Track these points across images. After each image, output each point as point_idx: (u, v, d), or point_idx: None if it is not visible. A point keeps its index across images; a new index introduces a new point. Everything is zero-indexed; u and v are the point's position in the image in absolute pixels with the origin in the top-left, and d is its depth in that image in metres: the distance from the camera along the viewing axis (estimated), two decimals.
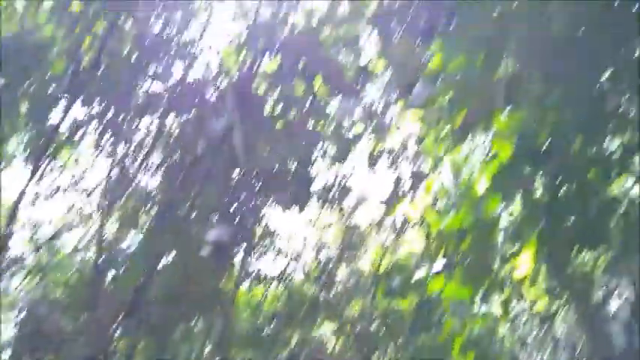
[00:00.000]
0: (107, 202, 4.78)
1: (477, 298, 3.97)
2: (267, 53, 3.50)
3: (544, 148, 3.99)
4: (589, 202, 4.20)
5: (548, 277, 4.89)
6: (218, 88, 3.92)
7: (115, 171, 4.75)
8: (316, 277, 6.49)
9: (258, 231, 6.33)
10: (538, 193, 4.19)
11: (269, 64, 3.63)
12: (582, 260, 4.89)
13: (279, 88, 3.43)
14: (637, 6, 3.64)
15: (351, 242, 7.52)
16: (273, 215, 6.60)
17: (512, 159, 3.59)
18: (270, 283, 7.85)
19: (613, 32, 3.15)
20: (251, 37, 3.78)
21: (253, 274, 7.51)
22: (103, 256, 5.35)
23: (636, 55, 3.71)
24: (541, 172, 4.15)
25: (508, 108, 3.31)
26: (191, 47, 4.75)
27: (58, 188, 7.26)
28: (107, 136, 5.16)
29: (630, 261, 4.75)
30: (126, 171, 4.70)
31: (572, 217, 4.12)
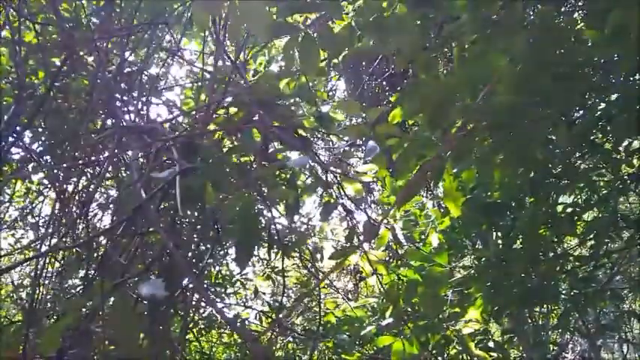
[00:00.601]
0: (50, 242, 4.61)
1: (426, 354, 3.94)
2: (225, 99, 3.49)
3: (495, 204, 4.04)
4: (539, 259, 4.26)
5: (499, 332, 4.90)
6: (173, 130, 3.88)
7: (62, 209, 4.60)
8: (269, 324, 6.38)
9: (211, 277, 6.20)
10: (489, 248, 4.22)
11: (227, 108, 3.59)
12: (532, 316, 4.92)
13: (234, 136, 3.40)
14: (588, 70, 3.77)
15: (306, 290, 7.43)
16: (227, 261, 6.50)
17: (464, 214, 3.61)
18: (223, 330, 7.67)
19: (564, 94, 3.23)
20: (210, 81, 3.78)
21: (205, 321, 7.32)
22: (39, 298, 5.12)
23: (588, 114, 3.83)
24: (492, 229, 4.20)
25: (459, 165, 3.34)
26: (149, 86, 4.70)
27: (1, 222, 7.03)
28: (55, 172, 5.01)
29: (581, 317, 4.79)
30: (71, 211, 4.55)
31: (522, 274, 4.17)
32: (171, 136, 3.15)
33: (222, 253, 5.87)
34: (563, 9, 3.96)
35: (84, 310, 2.75)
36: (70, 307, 3.11)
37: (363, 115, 3.41)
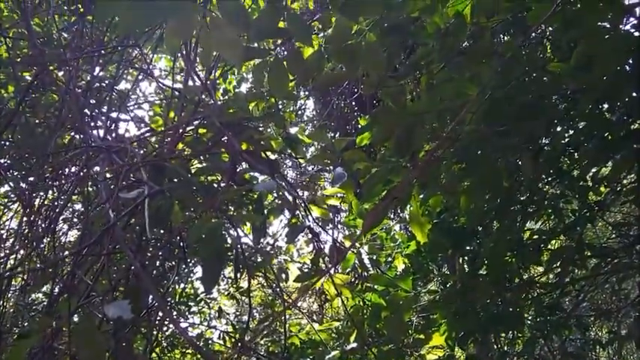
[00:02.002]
0: (16, 257, 4.53)
1: None
2: (194, 119, 3.47)
3: (461, 229, 4.07)
4: (505, 285, 4.28)
5: (463, 359, 4.90)
6: (141, 147, 3.85)
7: (28, 223, 4.53)
8: (232, 344, 6.30)
9: (175, 295, 6.14)
10: (455, 273, 4.25)
11: (196, 128, 3.57)
12: (498, 342, 4.94)
13: (202, 156, 3.38)
14: (555, 98, 3.83)
15: (270, 311, 7.38)
16: (192, 278, 6.46)
17: (430, 239, 3.62)
18: (186, 349, 7.57)
19: (531, 122, 3.28)
20: (179, 101, 3.77)
21: (168, 340, 7.21)
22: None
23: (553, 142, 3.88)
24: (458, 254, 4.22)
25: (426, 191, 3.37)
26: (119, 102, 4.68)
27: None
28: (23, 186, 4.94)
29: (546, 344, 4.82)
30: (37, 225, 4.48)
31: (487, 300, 4.19)
32: (140, 156, 3.13)
33: (187, 271, 5.81)
34: (531, 37, 4.03)
35: (49, 328, 2.71)
36: (36, 326, 3.06)
37: (332, 142, 3.43)
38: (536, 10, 2.71)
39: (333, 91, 9.32)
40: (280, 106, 4.25)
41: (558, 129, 3.93)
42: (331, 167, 3.45)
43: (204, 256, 2.51)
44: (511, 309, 4.18)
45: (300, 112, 10.59)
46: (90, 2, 4.21)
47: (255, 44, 2.94)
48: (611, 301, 7.04)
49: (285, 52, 2.97)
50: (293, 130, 3.67)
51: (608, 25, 2.83)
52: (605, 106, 3.85)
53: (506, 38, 3.94)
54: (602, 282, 5.09)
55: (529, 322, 4.58)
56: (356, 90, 8.16)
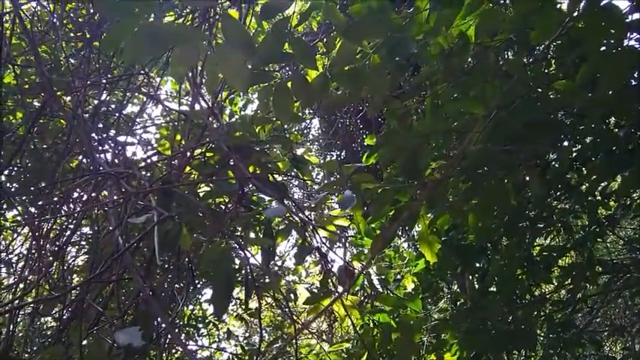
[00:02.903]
0: (26, 283, 4.54)
1: None
2: (202, 143, 3.49)
3: (470, 247, 4.05)
4: (516, 303, 4.25)
5: None
6: (148, 171, 3.86)
7: (37, 248, 4.54)
8: None
9: (184, 318, 6.13)
10: (465, 292, 4.22)
11: (203, 152, 3.59)
12: None
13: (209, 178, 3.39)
14: (562, 115, 3.83)
15: (280, 333, 7.34)
16: (200, 300, 6.46)
17: (439, 258, 3.61)
18: None
19: (537, 139, 3.27)
20: (186, 124, 3.78)
21: None
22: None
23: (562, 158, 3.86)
24: (467, 272, 4.20)
25: (433, 210, 3.36)
26: (126, 126, 4.71)
27: None
28: (31, 210, 4.98)
29: None
30: (46, 249, 4.50)
31: (499, 318, 4.15)
32: (147, 182, 3.15)
33: (195, 293, 5.80)
34: (535, 54, 4.03)
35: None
36: (47, 355, 3.07)
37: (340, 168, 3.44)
38: (539, 30, 2.71)
39: (338, 110, 9.35)
40: (285, 127, 4.26)
41: (565, 144, 3.92)
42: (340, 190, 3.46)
43: (215, 281, 2.51)
44: (523, 327, 4.14)
45: (305, 131, 10.62)
46: (97, 28, 4.26)
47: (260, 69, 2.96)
48: (625, 316, 6.98)
49: (290, 73, 2.99)
50: (299, 151, 3.68)
51: (612, 42, 2.83)
52: (612, 120, 3.84)
53: (510, 55, 3.95)
54: (615, 297, 5.04)
55: (542, 339, 4.53)
56: (361, 108, 8.18)
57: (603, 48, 2.72)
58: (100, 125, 4.86)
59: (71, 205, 4.74)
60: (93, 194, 3.80)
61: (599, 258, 4.56)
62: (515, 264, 4.00)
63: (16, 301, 4.13)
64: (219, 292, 2.54)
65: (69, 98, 4.60)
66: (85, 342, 2.91)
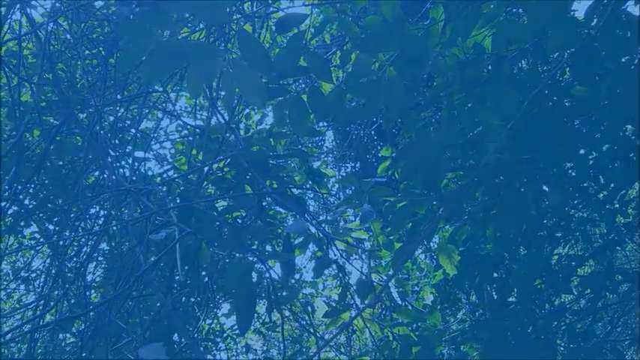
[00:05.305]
0: (44, 298, 4.57)
1: None
2: (219, 158, 3.51)
3: (489, 257, 4.02)
4: (535, 313, 4.21)
5: None
6: (166, 186, 3.89)
7: (56, 264, 4.58)
8: None
9: (203, 332, 6.13)
10: (484, 302, 4.18)
11: (220, 166, 3.60)
12: None
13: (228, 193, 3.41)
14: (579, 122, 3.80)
15: (300, 346, 7.33)
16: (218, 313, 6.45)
17: (458, 269, 3.59)
18: None
19: (555, 148, 3.26)
20: (203, 140, 3.81)
21: None
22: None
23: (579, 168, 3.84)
24: (486, 282, 4.17)
25: (451, 221, 3.35)
26: (142, 142, 4.75)
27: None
28: (50, 226, 5.02)
29: None
30: (66, 266, 4.53)
31: (518, 328, 4.11)
32: (168, 198, 3.17)
33: (213, 307, 5.81)
34: (551, 61, 4.02)
35: None
36: None
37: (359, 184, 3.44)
38: (554, 40, 2.71)
39: (353, 122, 9.34)
40: (301, 140, 4.27)
41: (582, 152, 3.90)
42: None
43: (238, 297, 2.51)
44: (543, 337, 4.10)
45: (319, 143, 10.62)
46: (112, 45, 4.30)
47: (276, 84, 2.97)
48: None
49: (303, 86, 3.00)
50: (315, 164, 3.69)
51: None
52: (629, 127, 3.81)
53: (524, 65, 3.93)
54: (635, 306, 4.98)
55: (562, 350, 4.48)
56: (375, 119, 8.17)
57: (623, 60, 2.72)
58: (117, 141, 4.90)
59: (89, 222, 4.77)
60: (112, 211, 3.82)
61: (618, 266, 4.51)
62: (535, 274, 3.97)
63: (38, 319, 4.14)
64: (243, 309, 2.54)
65: (85, 115, 4.64)
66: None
